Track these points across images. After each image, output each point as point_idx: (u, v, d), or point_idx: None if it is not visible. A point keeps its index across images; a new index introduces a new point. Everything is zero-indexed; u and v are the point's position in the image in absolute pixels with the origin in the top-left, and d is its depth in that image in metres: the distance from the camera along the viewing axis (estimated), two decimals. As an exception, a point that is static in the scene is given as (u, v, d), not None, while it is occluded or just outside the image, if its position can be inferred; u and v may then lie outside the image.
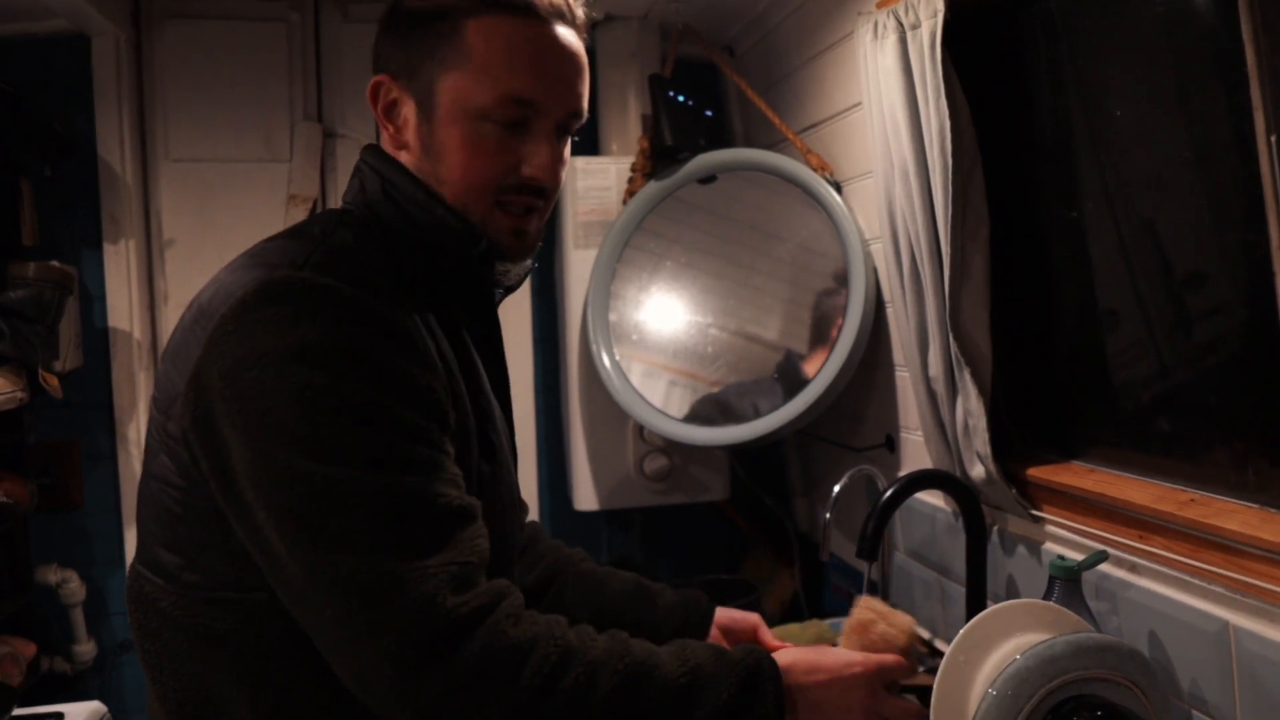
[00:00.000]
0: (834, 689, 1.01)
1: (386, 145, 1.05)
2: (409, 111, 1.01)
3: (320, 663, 0.88)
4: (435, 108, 0.99)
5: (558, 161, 1.03)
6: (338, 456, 0.85)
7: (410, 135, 1.02)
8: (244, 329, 0.87)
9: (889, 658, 1.07)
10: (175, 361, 0.94)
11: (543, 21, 0.99)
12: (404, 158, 1.03)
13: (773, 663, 0.99)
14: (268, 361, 0.85)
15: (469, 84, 0.98)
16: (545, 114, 1.01)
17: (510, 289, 1.12)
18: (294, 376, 0.85)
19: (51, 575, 2.28)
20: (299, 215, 2.38)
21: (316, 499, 0.84)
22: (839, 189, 2.05)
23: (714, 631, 1.28)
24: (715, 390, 2.15)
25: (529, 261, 1.10)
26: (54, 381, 2.14)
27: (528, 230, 1.05)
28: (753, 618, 1.30)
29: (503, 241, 1.03)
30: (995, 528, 1.61)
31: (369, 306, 0.90)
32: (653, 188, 2.23)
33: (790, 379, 2.07)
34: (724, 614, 1.29)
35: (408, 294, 0.96)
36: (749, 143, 2.56)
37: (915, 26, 1.52)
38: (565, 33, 1.01)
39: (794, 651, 1.06)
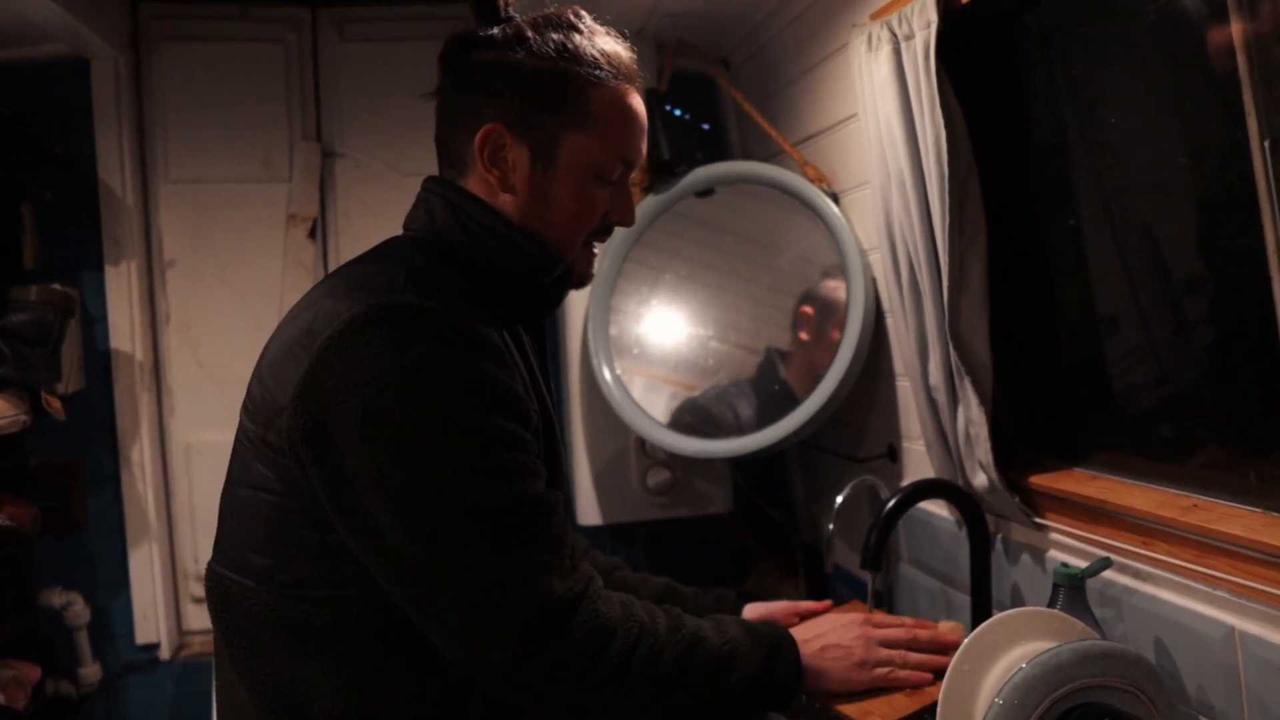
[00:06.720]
0: (831, 638, 1.25)
1: (475, 184, 1.15)
2: (520, 159, 1.13)
3: (398, 652, 1.04)
4: (555, 160, 1.13)
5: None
6: (456, 467, 0.98)
7: (519, 180, 1.13)
8: (357, 349, 0.97)
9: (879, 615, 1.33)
10: (274, 377, 1.04)
11: (636, 88, 1.16)
12: (506, 198, 1.15)
13: (790, 636, 1.22)
14: (386, 380, 0.96)
15: (592, 146, 1.13)
16: (632, 169, 1.19)
17: (554, 309, 1.26)
18: (413, 394, 0.97)
19: (56, 598, 2.28)
20: (299, 234, 2.39)
21: (442, 505, 0.97)
22: (836, 200, 2.05)
23: None
24: (715, 402, 2.15)
25: None
26: (57, 404, 2.14)
27: (593, 263, 1.24)
28: (776, 607, 1.44)
29: (583, 274, 1.22)
30: (998, 536, 1.61)
31: (463, 325, 1.01)
32: (651, 202, 2.23)
33: (791, 390, 2.07)
34: (752, 609, 1.44)
35: (484, 310, 1.08)
36: (746, 155, 2.56)
37: (909, 38, 1.53)
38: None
39: (801, 626, 1.29)
